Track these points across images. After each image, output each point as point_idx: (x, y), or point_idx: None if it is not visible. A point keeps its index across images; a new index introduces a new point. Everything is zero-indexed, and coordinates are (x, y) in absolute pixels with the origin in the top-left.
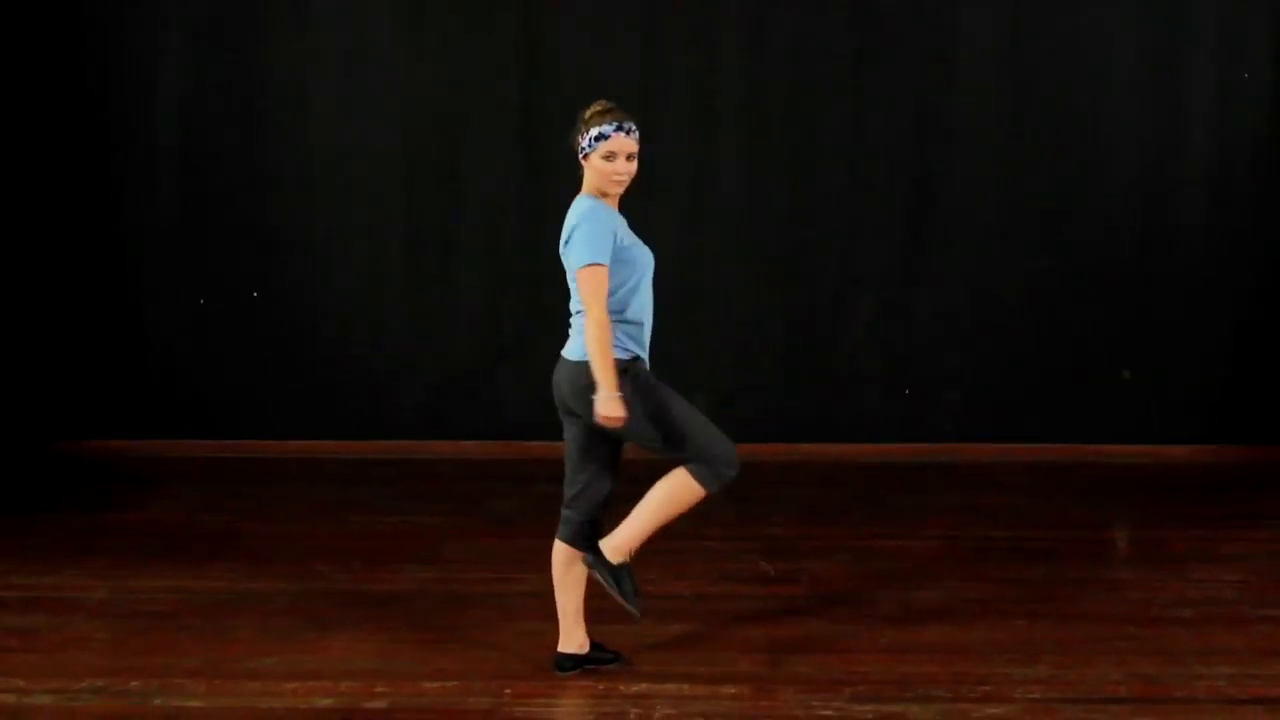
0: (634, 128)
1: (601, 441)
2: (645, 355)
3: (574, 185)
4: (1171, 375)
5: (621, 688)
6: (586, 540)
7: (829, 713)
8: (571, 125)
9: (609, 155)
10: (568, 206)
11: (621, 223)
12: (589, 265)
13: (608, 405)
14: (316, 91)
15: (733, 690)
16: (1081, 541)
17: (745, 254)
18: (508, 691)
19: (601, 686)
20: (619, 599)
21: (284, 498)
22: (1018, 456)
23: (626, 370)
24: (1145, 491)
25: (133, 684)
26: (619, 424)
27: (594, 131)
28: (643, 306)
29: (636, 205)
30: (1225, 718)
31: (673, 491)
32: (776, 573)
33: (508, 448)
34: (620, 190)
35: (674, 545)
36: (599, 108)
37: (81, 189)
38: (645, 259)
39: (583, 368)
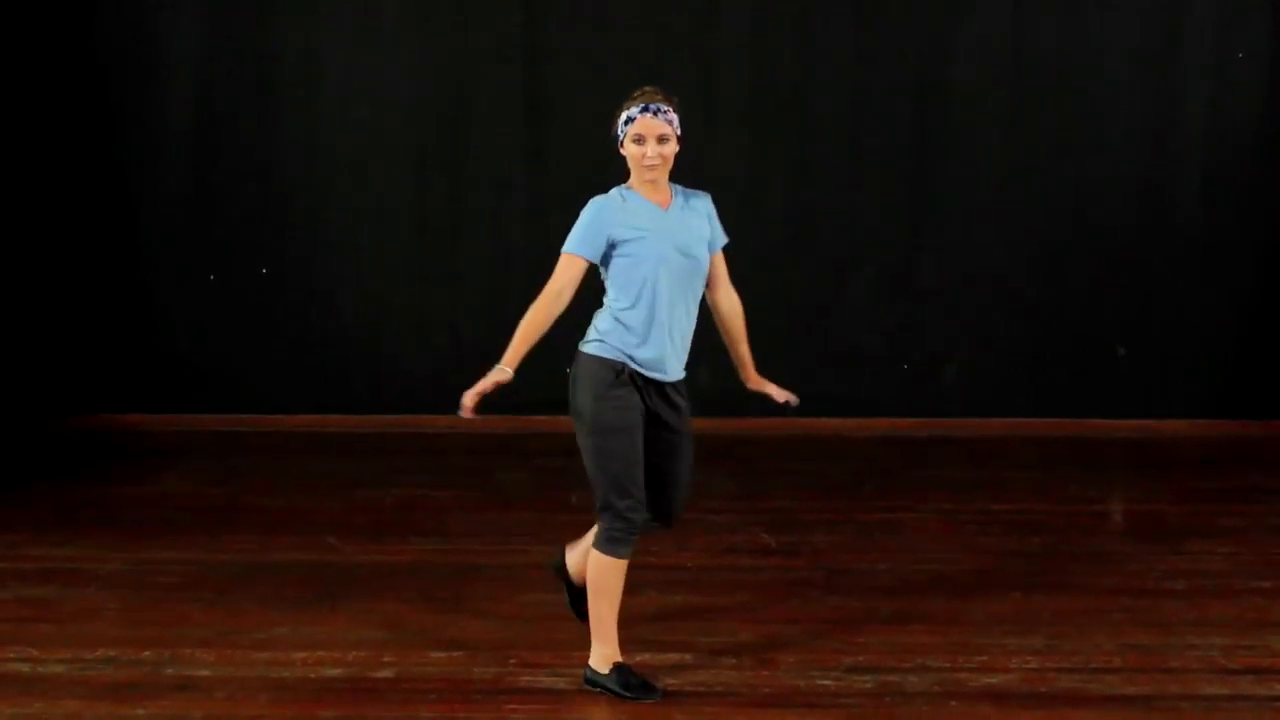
0: (664, 108)
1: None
2: (646, 367)
3: (577, 164)
4: (1170, 352)
5: (624, 657)
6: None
7: (828, 682)
8: (575, 101)
9: (638, 139)
10: (571, 185)
11: (647, 213)
12: (563, 253)
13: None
14: (326, 70)
15: (733, 661)
16: (1078, 515)
17: (746, 229)
18: (512, 661)
19: None
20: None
21: (293, 471)
22: (1016, 431)
23: (618, 372)
24: (1142, 466)
25: (144, 654)
26: (465, 414)
27: (623, 116)
28: (650, 311)
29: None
30: (1218, 687)
31: (591, 574)
32: (778, 545)
33: (513, 422)
34: (653, 176)
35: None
36: (635, 93)
37: (92, 166)
38: (655, 254)
39: (578, 357)
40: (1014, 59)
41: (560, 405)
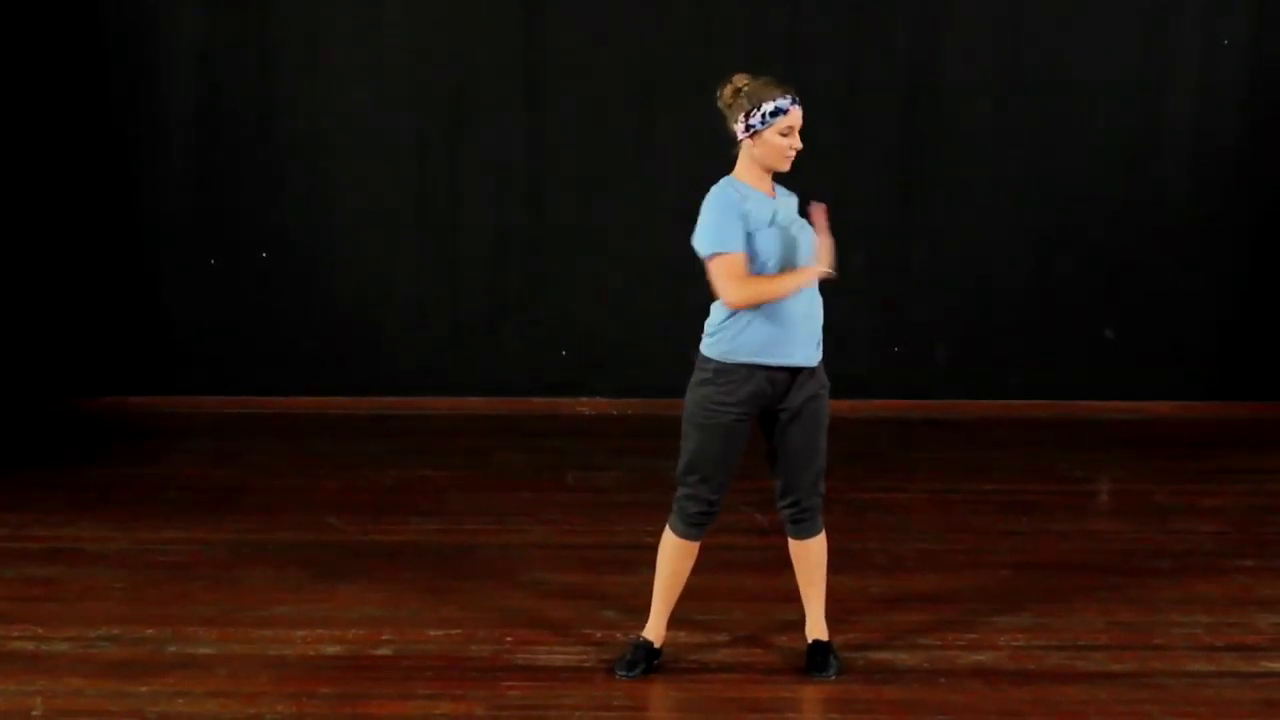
0: (798, 100)
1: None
2: (770, 359)
3: (577, 146)
4: (1158, 334)
5: (619, 635)
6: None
7: None
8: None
9: (787, 130)
10: (570, 168)
11: (765, 206)
12: (712, 256)
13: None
14: (327, 52)
15: (727, 638)
16: (1066, 495)
17: None
18: (508, 639)
19: (599, 635)
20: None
21: (294, 452)
22: (1006, 413)
23: (715, 375)
24: (1130, 446)
25: (148, 632)
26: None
27: (769, 106)
28: (775, 308)
29: (634, 162)
30: (1202, 664)
31: (661, 548)
32: (770, 525)
33: (511, 404)
34: (789, 165)
35: (669, 498)
36: (757, 83)
37: (95, 150)
38: (775, 248)
39: (701, 361)
40: (1004, 45)
41: (556, 387)
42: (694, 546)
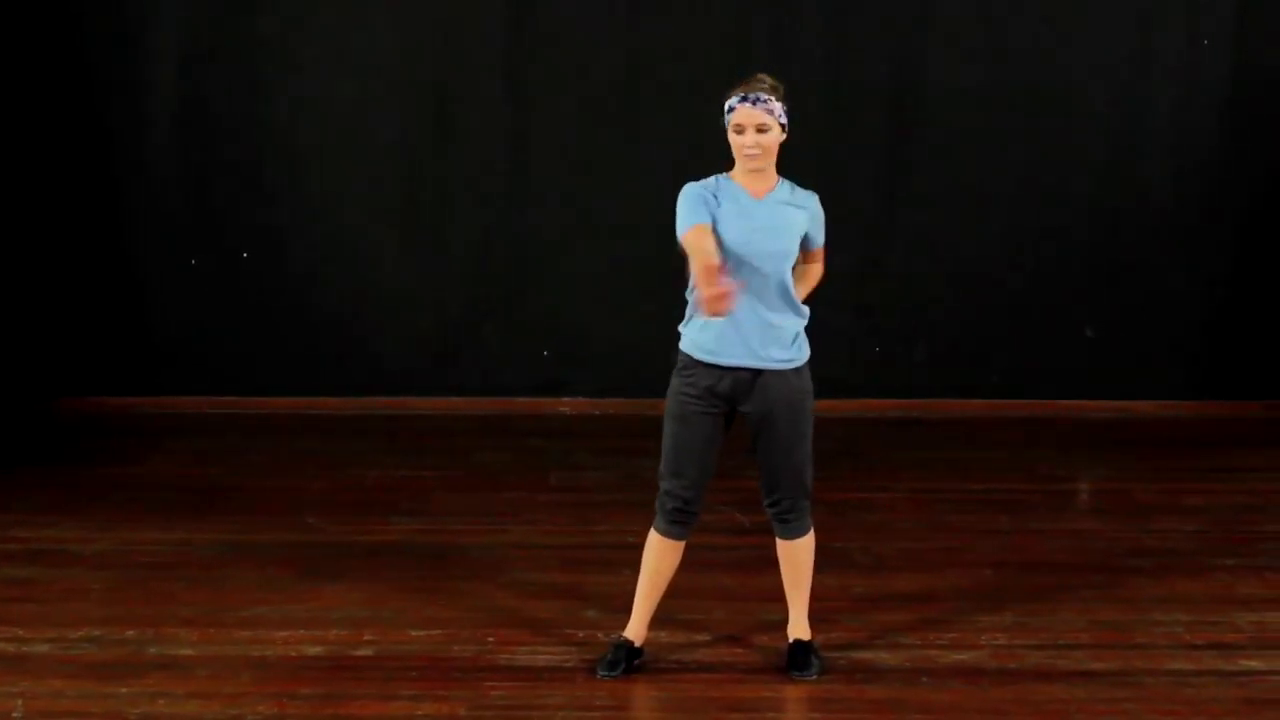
0: (764, 97)
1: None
2: (720, 359)
3: (561, 144)
4: (1140, 333)
5: (601, 635)
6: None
7: None
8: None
9: (738, 128)
10: (555, 166)
11: (738, 200)
12: (681, 235)
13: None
14: (309, 51)
15: (708, 638)
16: (1048, 494)
17: None
18: (491, 639)
19: (581, 635)
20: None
21: (277, 452)
22: (988, 412)
23: (681, 368)
24: (1111, 445)
25: (129, 633)
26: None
27: (725, 105)
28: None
29: (619, 162)
30: (1182, 663)
31: (645, 547)
32: (751, 525)
33: (494, 403)
34: (754, 165)
35: (652, 498)
36: (741, 81)
37: (75, 148)
38: (736, 238)
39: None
40: (987, 47)
41: (541, 387)
42: (677, 546)
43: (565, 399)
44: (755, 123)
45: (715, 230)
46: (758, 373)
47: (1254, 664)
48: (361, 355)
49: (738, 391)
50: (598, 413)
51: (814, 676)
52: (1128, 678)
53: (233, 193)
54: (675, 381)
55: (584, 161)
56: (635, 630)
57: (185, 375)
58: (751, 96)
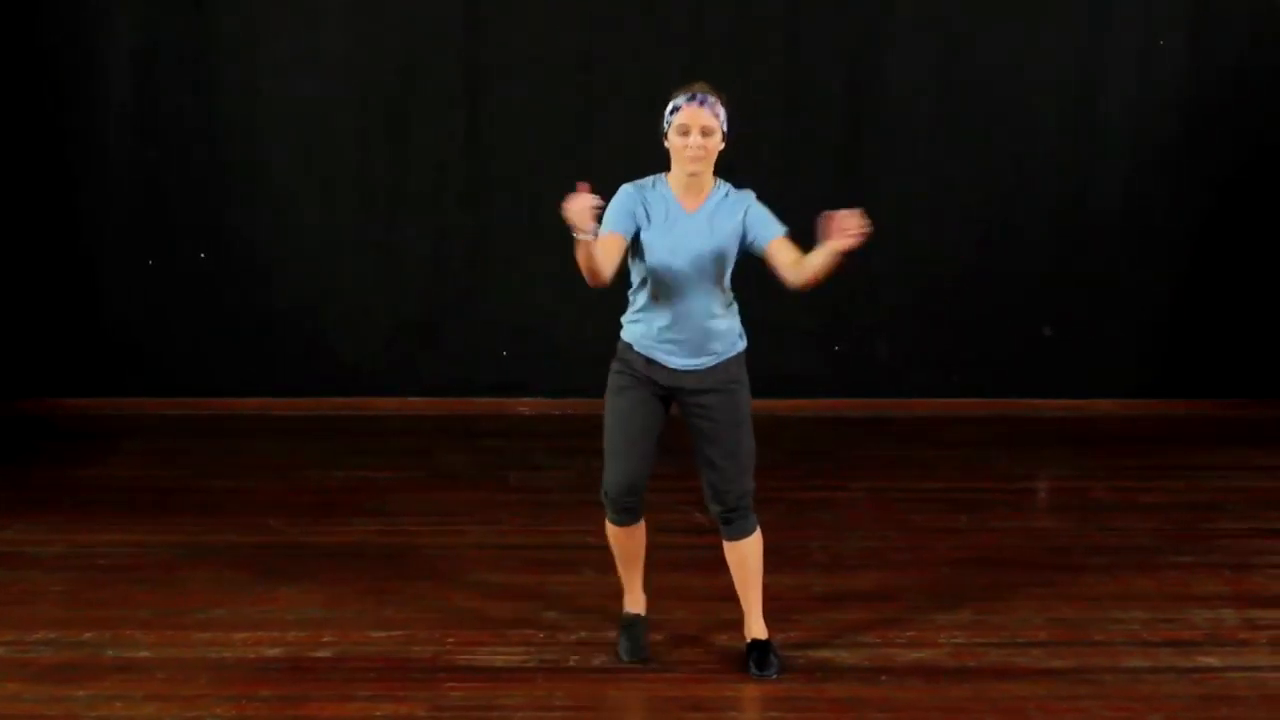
0: (711, 99)
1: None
2: (656, 355)
3: (515, 145)
4: (1098, 333)
5: (561, 636)
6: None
7: None
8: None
9: (683, 129)
10: (510, 166)
11: (667, 207)
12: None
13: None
14: (265, 50)
15: (668, 637)
16: (1006, 492)
17: None
18: (450, 640)
19: (542, 635)
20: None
21: (235, 453)
22: (946, 411)
23: (619, 351)
24: (1068, 444)
25: (86, 635)
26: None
27: (670, 106)
28: (658, 307)
29: (575, 161)
30: (1139, 660)
31: (608, 535)
32: (710, 523)
33: (452, 404)
34: (695, 169)
35: None
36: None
37: (31, 148)
38: (663, 247)
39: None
40: (944, 46)
41: (500, 387)
42: (635, 528)
43: (524, 399)
44: (701, 124)
45: (642, 238)
46: (695, 373)
47: (1210, 660)
48: (319, 356)
49: (667, 380)
50: (557, 413)
51: (774, 675)
52: (1085, 675)
53: (189, 193)
54: (613, 370)
55: (540, 161)
56: (633, 601)
57: (142, 376)
58: (700, 97)
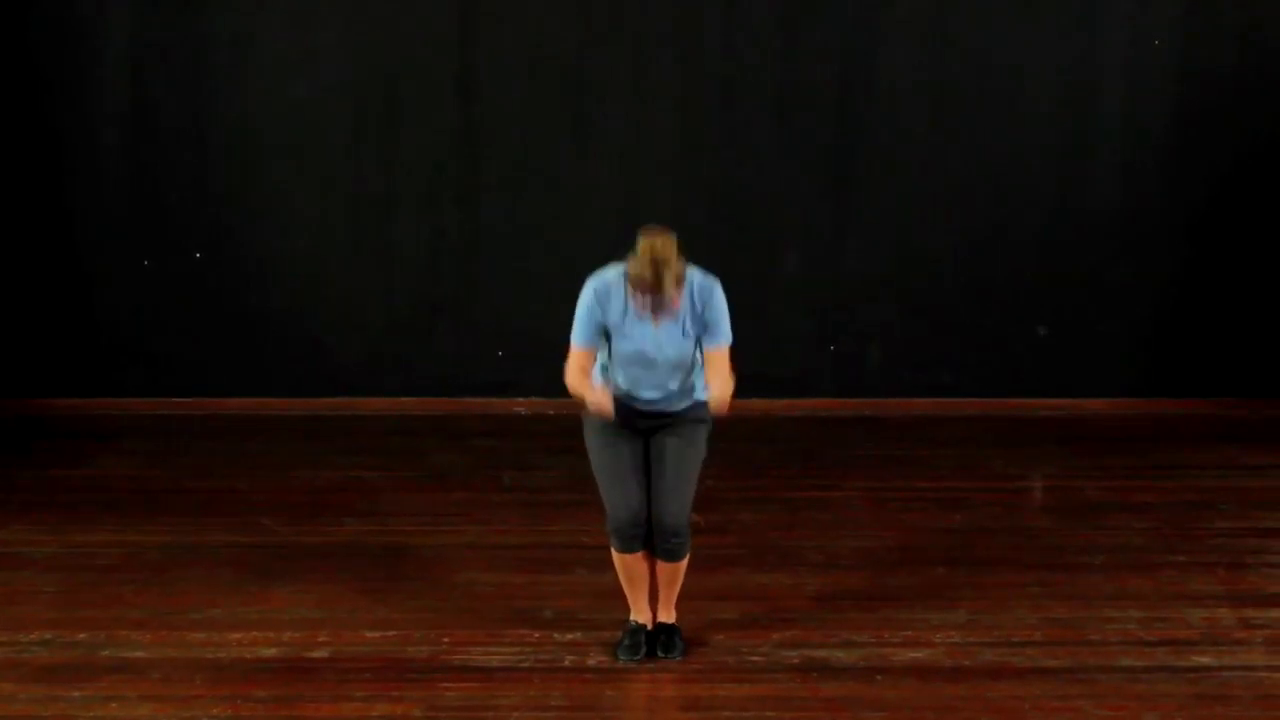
0: (666, 296)
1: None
2: (626, 396)
3: (508, 146)
4: (1091, 332)
5: (556, 636)
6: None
7: (757, 658)
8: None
9: (640, 294)
10: (503, 167)
11: (622, 314)
12: (567, 369)
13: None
14: (258, 51)
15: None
16: (1001, 492)
17: (677, 209)
18: (445, 640)
19: (537, 635)
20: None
21: (228, 453)
22: (940, 411)
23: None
24: (1062, 443)
25: (80, 635)
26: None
27: (632, 263)
28: (623, 376)
29: (568, 161)
30: (1134, 659)
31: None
32: (707, 524)
33: (447, 404)
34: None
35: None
36: (641, 246)
37: (25, 149)
38: (631, 350)
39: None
40: (937, 45)
41: (491, 387)
42: (637, 555)
43: (518, 399)
44: (660, 310)
45: (614, 339)
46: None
47: (1205, 659)
48: (313, 356)
49: (637, 420)
50: (551, 413)
51: (679, 657)
52: (1080, 674)
53: (184, 193)
54: (589, 419)
55: (534, 160)
56: (639, 613)
57: (136, 376)
58: (665, 300)
